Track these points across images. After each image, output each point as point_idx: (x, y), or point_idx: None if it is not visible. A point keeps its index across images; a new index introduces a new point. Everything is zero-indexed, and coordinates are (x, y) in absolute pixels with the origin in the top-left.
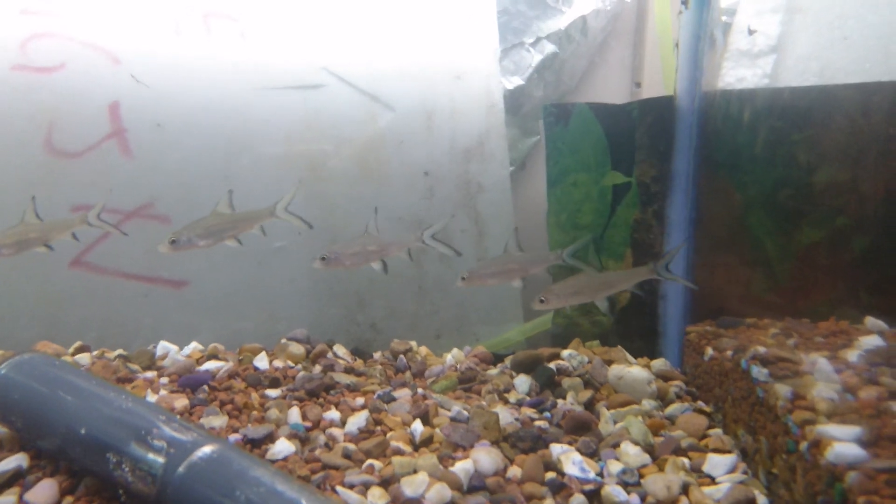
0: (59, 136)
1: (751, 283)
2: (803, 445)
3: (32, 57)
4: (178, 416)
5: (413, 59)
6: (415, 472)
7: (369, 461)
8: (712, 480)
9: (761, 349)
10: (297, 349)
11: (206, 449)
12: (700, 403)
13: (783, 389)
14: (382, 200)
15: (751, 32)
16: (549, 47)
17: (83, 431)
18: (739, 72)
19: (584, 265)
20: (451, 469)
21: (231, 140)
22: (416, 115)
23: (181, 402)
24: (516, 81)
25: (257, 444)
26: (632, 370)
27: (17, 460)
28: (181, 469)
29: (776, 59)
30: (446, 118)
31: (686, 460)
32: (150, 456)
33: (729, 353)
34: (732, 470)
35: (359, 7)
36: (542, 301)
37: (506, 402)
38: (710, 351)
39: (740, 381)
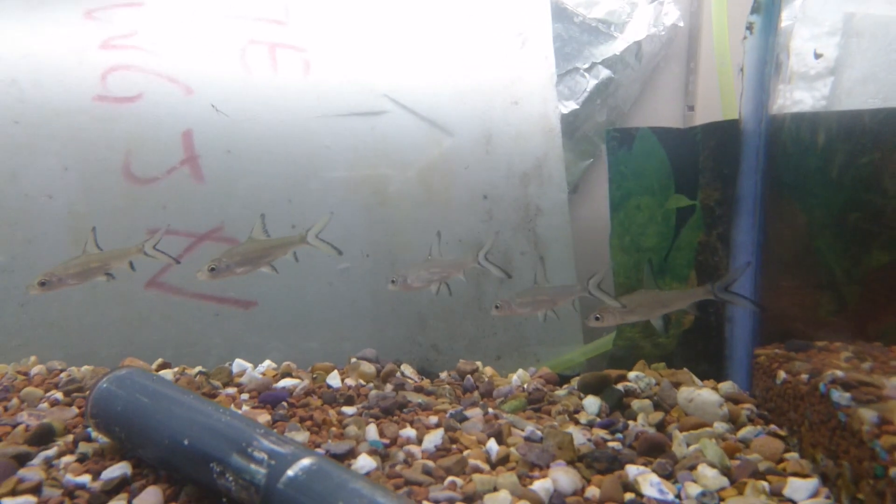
0: (136, 163)
1: (819, 306)
2: (893, 471)
3: (112, 88)
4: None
5: (472, 86)
6: (495, 489)
7: (450, 478)
8: None
9: (839, 373)
10: (368, 368)
11: (306, 461)
12: (773, 427)
13: (868, 414)
14: (443, 224)
15: (817, 56)
16: (605, 72)
17: (186, 443)
18: (796, 94)
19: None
20: (531, 488)
21: (297, 165)
22: (475, 140)
23: (263, 417)
24: (571, 106)
25: (340, 460)
26: (702, 392)
27: (122, 468)
28: (283, 480)
29: (833, 82)
30: (504, 142)
31: (766, 484)
32: (253, 467)
33: (804, 376)
34: (815, 494)
35: (420, 37)
36: (596, 318)
37: (577, 422)
38: (782, 374)
39: (818, 405)
